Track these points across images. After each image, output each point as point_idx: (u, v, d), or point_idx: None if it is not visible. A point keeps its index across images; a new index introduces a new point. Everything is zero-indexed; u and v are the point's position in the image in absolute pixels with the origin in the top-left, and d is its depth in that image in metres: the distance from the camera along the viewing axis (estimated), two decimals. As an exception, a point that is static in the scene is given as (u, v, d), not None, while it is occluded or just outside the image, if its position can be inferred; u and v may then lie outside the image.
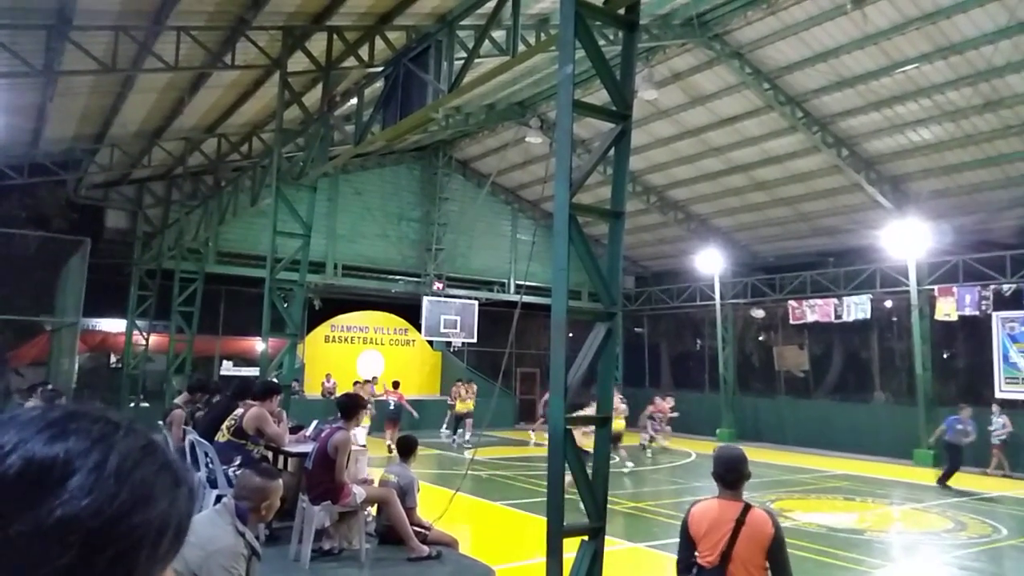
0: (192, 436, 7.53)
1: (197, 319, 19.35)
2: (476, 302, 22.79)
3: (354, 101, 11.61)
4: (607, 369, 5.81)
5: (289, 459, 7.49)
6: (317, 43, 11.16)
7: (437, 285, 22.66)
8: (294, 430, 8.01)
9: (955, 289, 17.03)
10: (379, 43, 10.97)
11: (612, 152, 5.81)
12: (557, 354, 5.30)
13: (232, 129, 16.13)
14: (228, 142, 16.83)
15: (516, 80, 16.19)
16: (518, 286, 23.71)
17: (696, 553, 3.61)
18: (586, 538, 5.27)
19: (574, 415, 6.26)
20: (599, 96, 11.35)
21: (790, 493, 12.90)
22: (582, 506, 5.25)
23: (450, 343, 23.37)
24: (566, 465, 5.03)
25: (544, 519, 5.03)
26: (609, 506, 5.43)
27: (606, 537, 5.37)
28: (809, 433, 19.88)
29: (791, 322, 20.90)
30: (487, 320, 23.13)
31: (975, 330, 17.46)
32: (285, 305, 12.02)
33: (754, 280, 21.94)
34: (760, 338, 25.12)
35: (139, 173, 18.65)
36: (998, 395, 16.57)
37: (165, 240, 18.96)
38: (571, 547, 5.02)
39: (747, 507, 3.56)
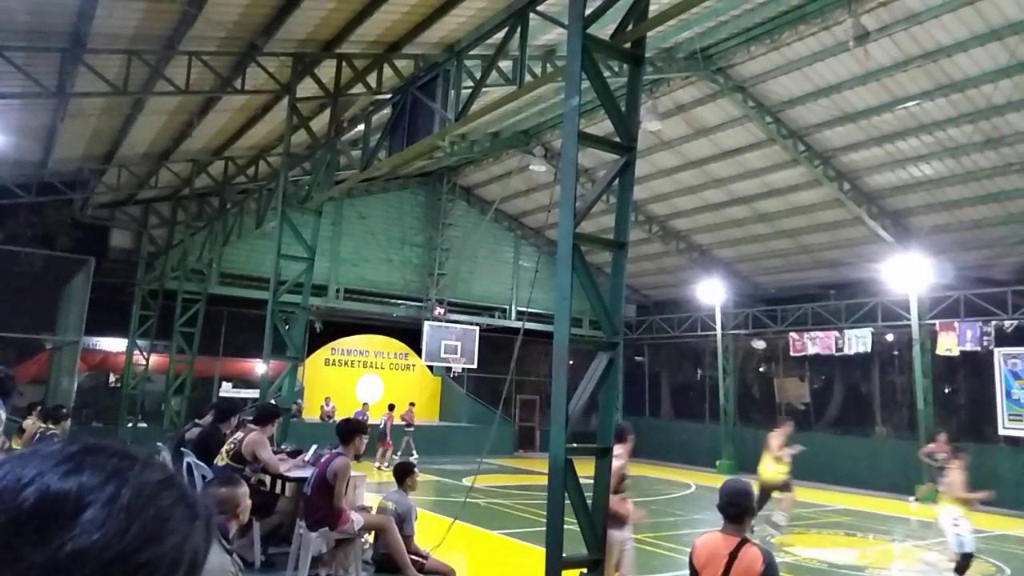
0: (190, 458, 7.49)
1: (198, 340, 19.34)
2: (477, 328, 22.79)
3: (361, 127, 11.73)
4: (609, 399, 5.79)
5: (287, 484, 7.45)
6: (326, 69, 11.32)
7: (439, 310, 22.68)
8: (292, 454, 7.97)
9: (956, 324, 16.99)
10: (387, 71, 11.13)
11: (616, 182, 5.87)
12: (559, 383, 5.31)
13: (239, 152, 16.28)
14: (235, 165, 16.99)
15: (521, 109, 16.37)
16: (519, 313, 23.70)
17: None
18: (585, 570, 5.22)
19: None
20: (603, 126, 11.48)
21: (790, 527, 12.76)
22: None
23: (450, 368, 23.32)
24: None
25: (543, 549, 4.99)
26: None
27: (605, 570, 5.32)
28: (810, 466, 19.61)
29: (792, 354, 20.82)
30: (488, 346, 23.10)
31: (976, 366, 17.41)
32: (287, 327, 12.03)
33: (755, 311, 21.94)
34: (761, 369, 25.03)
35: (145, 194, 18.80)
36: (1001, 432, 16.48)
37: (169, 261, 19.03)
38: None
39: (743, 542, 3.53)
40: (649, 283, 25.38)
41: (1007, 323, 16.31)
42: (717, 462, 21.41)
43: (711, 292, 21.79)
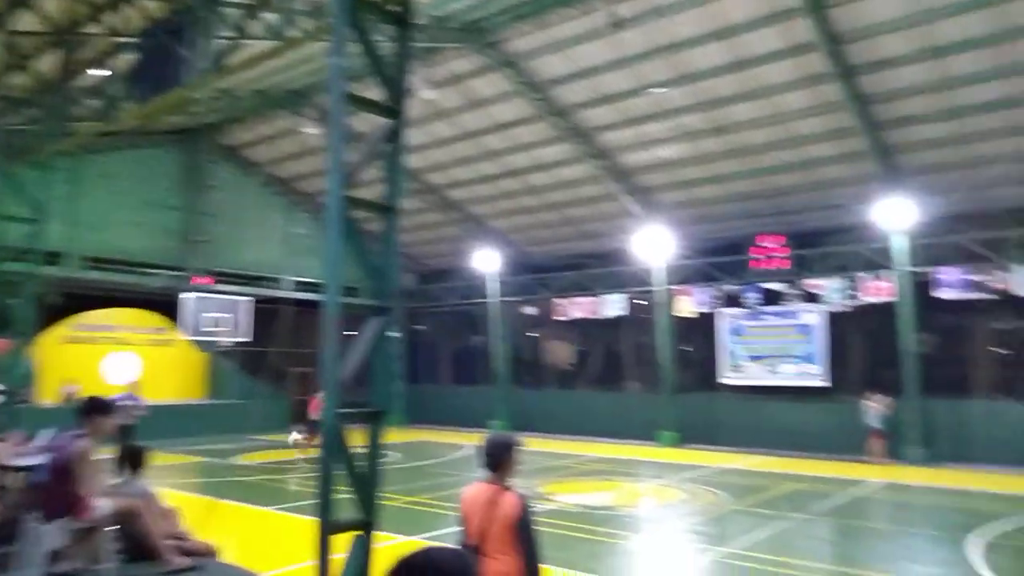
0: None
1: None
2: (248, 298, 21.47)
3: (102, 72, 10.37)
4: (382, 364, 5.84)
5: (10, 475, 6.53)
6: (53, 1, 9.81)
7: (203, 280, 20.99)
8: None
9: (692, 289, 19.52)
10: (132, 9, 9.92)
11: (386, 146, 5.87)
12: (329, 350, 5.25)
13: (-61, 92, 13.58)
14: (-66, 107, 14.14)
15: (292, 67, 15.55)
16: (295, 282, 22.76)
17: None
18: (358, 533, 5.27)
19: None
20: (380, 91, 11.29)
21: (555, 477, 13.89)
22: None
23: (217, 343, 21.77)
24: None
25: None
26: (384, 502, 5.47)
27: (382, 533, 5.41)
28: (574, 421, 21.54)
29: (559, 318, 22.47)
30: (261, 318, 21.91)
31: (706, 325, 20.07)
32: (12, 300, 10.41)
33: (527, 279, 23.25)
34: (532, 334, 26.63)
35: None
36: (720, 381, 19.28)
37: None
38: (347, 547, 5.01)
39: (502, 489, 3.79)
40: (428, 252, 25.70)
41: (730, 288, 19.05)
42: (492, 422, 22.48)
43: (486, 261, 22.69)
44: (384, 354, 5.72)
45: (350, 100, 5.51)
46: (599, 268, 21.77)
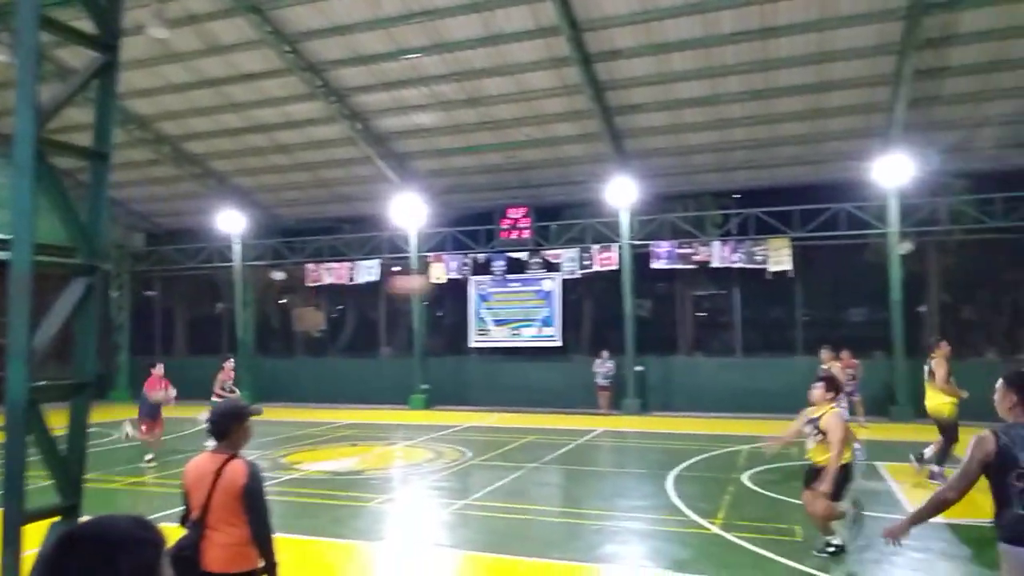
0: None
1: None
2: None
3: None
4: (87, 331, 5.20)
5: None
6: None
7: None
8: None
9: (444, 257, 20.02)
10: None
11: (96, 85, 5.16)
12: (17, 316, 4.57)
13: None
14: None
15: (-23, -21, 12.91)
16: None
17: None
18: (58, 519, 4.72)
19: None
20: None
21: (301, 446, 13.55)
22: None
23: None
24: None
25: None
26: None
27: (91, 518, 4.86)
28: (324, 389, 21.09)
29: (311, 284, 21.73)
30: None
31: (458, 292, 20.77)
32: None
33: (275, 242, 22.08)
34: (280, 300, 25.45)
35: None
36: (471, 345, 20.15)
37: None
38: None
39: (229, 458, 3.63)
40: (161, 210, 23.23)
41: (479, 256, 19.86)
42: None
43: (229, 222, 21.13)
44: (90, 320, 5.08)
45: (47, 24, 4.73)
46: (353, 233, 21.38)
